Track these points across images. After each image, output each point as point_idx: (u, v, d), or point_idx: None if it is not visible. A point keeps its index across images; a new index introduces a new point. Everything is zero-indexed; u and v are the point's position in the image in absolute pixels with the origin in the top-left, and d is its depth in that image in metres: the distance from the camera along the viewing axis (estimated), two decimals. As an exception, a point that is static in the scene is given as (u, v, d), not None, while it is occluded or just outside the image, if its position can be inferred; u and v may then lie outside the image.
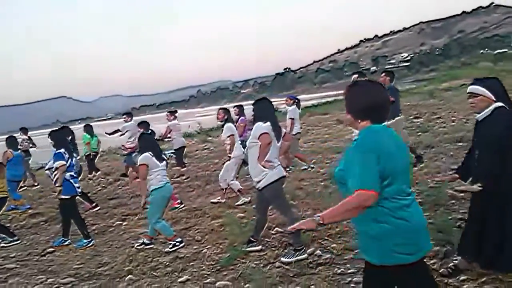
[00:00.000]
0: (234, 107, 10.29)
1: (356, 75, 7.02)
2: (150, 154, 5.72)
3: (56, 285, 5.02)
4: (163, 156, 6.04)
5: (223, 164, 8.02)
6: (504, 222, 3.34)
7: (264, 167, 4.66)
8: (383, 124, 2.40)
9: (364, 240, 2.39)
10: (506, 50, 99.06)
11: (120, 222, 7.43)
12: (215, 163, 12.09)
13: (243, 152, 7.84)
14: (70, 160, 6.45)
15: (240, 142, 7.95)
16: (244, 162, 9.00)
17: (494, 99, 3.39)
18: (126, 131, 10.96)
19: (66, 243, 6.49)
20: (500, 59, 57.82)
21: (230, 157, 7.61)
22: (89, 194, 8.92)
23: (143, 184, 5.74)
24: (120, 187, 10.59)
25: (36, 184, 11.97)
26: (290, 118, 9.08)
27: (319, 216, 2.25)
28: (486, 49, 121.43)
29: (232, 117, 8.38)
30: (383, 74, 8.06)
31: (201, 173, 10.84)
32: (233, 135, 7.58)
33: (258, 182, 4.77)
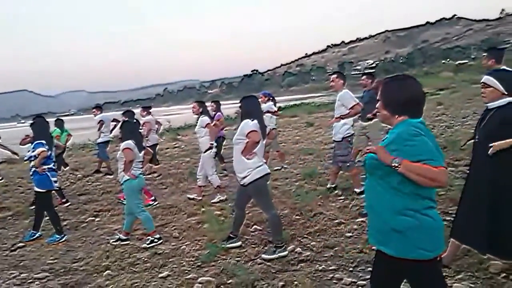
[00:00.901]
0: (211, 102, 10.30)
1: (335, 75, 6.98)
2: (133, 142, 5.68)
3: (30, 280, 4.88)
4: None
5: (195, 163, 7.96)
6: (498, 210, 3.46)
7: (248, 159, 4.69)
8: (420, 119, 2.40)
9: (384, 232, 2.38)
10: (466, 61, 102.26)
11: (93, 218, 7.28)
12: (187, 161, 12.05)
13: (215, 146, 7.84)
14: (49, 152, 6.30)
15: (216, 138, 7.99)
16: (217, 155, 9.06)
17: (505, 92, 3.46)
18: (100, 122, 10.76)
19: (36, 235, 6.32)
20: (461, 70, 59.72)
21: (211, 146, 7.52)
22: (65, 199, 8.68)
23: (129, 166, 5.68)
24: (89, 183, 10.37)
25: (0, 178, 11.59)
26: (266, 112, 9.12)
27: (401, 159, 2.22)
28: (448, 60, 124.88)
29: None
30: (364, 76, 8.19)
31: (173, 171, 10.77)
32: (209, 123, 7.56)
33: (244, 178, 4.78)
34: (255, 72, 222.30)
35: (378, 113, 2.58)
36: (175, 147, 15.31)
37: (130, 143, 5.73)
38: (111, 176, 10.69)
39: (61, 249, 5.90)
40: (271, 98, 9.59)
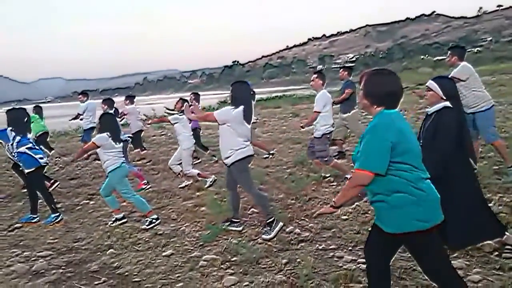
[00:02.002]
0: (191, 94, 10.43)
1: (315, 75, 7.15)
2: (108, 135, 5.75)
3: (33, 258, 4.94)
4: (121, 137, 6.09)
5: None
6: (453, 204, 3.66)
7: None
8: (394, 110, 2.66)
9: (383, 211, 2.63)
10: (444, 57, 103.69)
11: (87, 201, 7.35)
12: (175, 148, 12.05)
13: (194, 143, 7.96)
14: (22, 137, 6.32)
15: (192, 129, 8.12)
16: (198, 145, 9.19)
17: (444, 97, 3.79)
18: (84, 112, 10.78)
19: (35, 220, 6.37)
20: (439, 66, 60.88)
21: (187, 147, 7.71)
22: (46, 174, 8.66)
23: (81, 153, 6.19)
24: (79, 168, 10.38)
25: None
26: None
27: (333, 201, 2.75)
28: (427, 55, 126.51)
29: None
30: (342, 69, 8.51)
31: (163, 157, 10.82)
32: (177, 123, 7.71)
33: (226, 158, 5.00)
34: (236, 63, 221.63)
35: (358, 102, 2.88)
36: (162, 135, 15.33)
37: (104, 136, 5.78)
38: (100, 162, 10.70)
39: (60, 230, 5.97)
40: (252, 92, 9.69)
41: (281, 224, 4.98)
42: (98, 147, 5.76)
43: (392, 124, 2.55)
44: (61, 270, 4.56)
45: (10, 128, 6.33)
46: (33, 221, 6.35)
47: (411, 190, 2.52)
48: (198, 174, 7.60)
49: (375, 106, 2.67)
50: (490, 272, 3.58)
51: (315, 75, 7.02)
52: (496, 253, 3.85)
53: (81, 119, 11.03)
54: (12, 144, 6.30)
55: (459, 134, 3.69)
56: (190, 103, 7.84)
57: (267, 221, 4.96)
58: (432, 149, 3.60)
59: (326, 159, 6.75)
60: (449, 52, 6.23)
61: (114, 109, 9.53)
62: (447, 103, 3.77)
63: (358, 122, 8.64)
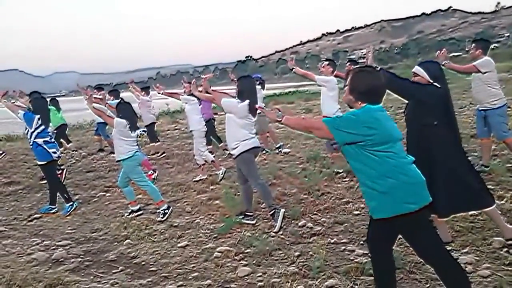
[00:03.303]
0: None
1: (326, 62, 7.36)
2: (126, 122, 5.90)
3: (53, 247, 5.12)
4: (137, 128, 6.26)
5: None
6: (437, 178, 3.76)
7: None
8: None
9: (373, 198, 2.78)
10: (460, 53, 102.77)
11: (103, 193, 7.52)
12: (189, 143, 12.19)
13: (204, 125, 8.08)
14: (45, 127, 6.50)
15: (206, 121, 8.30)
16: (213, 136, 9.30)
17: (431, 81, 3.91)
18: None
19: (53, 211, 6.54)
20: (455, 62, 60.08)
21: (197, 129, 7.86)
22: (62, 167, 8.82)
23: (104, 116, 6.27)
24: (95, 161, 10.57)
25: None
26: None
27: (282, 114, 3.03)
28: (442, 52, 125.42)
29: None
30: (348, 63, 8.53)
31: (177, 151, 10.96)
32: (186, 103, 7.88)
33: (233, 149, 5.17)
34: (249, 58, 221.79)
35: (344, 97, 3.00)
36: (176, 129, 15.48)
37: (123, 122, 5.95)
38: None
39: (78, 221, 6.15)
40: (260, 82, 9.70)
41: (283, 210, 5.07)
42: (113, 126, 5.96)
43: (371, 114, 2.74)
44: (79, 259, 4.73)
45: (38, 116, 6.47)
46: (51, 211, 6.53)
47: (397, 175, 2.69)
48: (212, 161, 7.73)
49: (359, 102, 2.84)
50: (499, 268, 3.63)
51: (326, 62, 7.35)
52: (506, 249, 3.89)
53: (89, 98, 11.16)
54: (33, 132, 6.43)
55: (443, 107, 3.86)
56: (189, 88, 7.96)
57: (270, 213, 5.10)
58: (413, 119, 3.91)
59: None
60: (473, 44, 6.22)
61: (120, 99, 9.64)
62: (436, 84, 3.91)
63: None
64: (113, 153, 10.80)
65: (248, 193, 5.50)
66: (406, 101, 4.08)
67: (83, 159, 10.93)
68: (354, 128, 2.69)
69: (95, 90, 11.23)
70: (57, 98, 13.02)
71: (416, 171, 2.80)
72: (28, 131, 6.53)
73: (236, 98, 5.26)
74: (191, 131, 7.98)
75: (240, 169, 5.36)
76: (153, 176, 7.96)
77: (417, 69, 4.04)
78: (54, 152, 6.63)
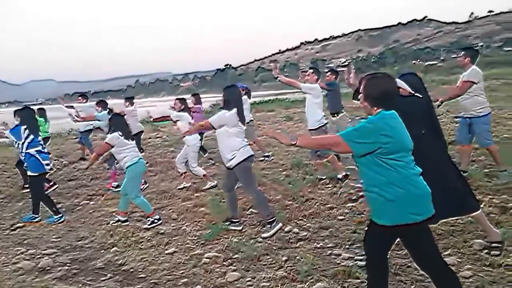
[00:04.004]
0: (191, 96, 10.59)
1: (311, 70, 7.48)
2: (119, 134, 5.92)
3: (38, 256, 5.08)
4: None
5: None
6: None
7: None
8: (391, 111, 2.86)
9: (379, 205, 2.82)
10: (436, 62, 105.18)
11: (87, 202, 7.48)
12: (171, 151, 12.23)
13: (199, 140, 8.13)
14: (34, 136, 6.46)
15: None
16: (202, 149, 9.31)
17: (412, 92, 4.04)
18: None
19: (36, 220, 6.47)
20: (430, 70, 61.66)
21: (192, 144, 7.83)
22: (53, 182, 8.75)
23: (94, 160, 6.18)
24: (76, 169, 10.48)
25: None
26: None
27: (295, 138, 2.92)
28: (418, 60, 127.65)
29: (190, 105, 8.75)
30: (329, 72, 8.64)
31: (159, 159, 10.96)
32: (189, 123, 7.82)
33: (230, 160, 5.16)
34: (228, 66, 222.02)
35: (360, 105, 3.04)
36: (157, 137, 15.44)
37: (115, 135, 5.94)
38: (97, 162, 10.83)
39: (62, 229, 6.10)
40: (246, 91, 9.83)
41: (280, 224, 5.15)
42: (112, 146, 5.93)
43: (387, 121, 2.77)
44: (66, 267, 4.70)
45: (24, 126, 6.42)
46: (34, 220, 6.46)
47: (406, 185, 2.74)
48: (204, 175, 7.74)
49: (375, 108, 2.87)
50: (481, 269, 3.77)
51: (311, 70, 7.45)
52: (486, 250, 4.03)
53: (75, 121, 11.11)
54: (23, 143, 6.37)
55: (428, 117, 4.01)
56: (191, 106, 8.00)
57: (268, 221, 5.13)
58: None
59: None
60: (462, 52, 6.36)
61: (108, 109, 9.60)
62: (418, 94, 4.04)
63: (347, 124, 8.81)
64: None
65: (233, 200, 5.55)
66: None
67: (64, 167, 10.83)
68: (372, 137, 2.71)
69: (79, 98, 11.18)
70: (33, 107, 12.82)
71: (423, 183, 2.83)
72: (18, 144, 6.46)
73: (223, 108, 5.31)
74: (187, 146, 7.90)
75: (230, 178, 5.37)
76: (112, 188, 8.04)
77: (398, 81, 4.11)
78: (47, 164, 6.58)
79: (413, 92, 4.03)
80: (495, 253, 3.97)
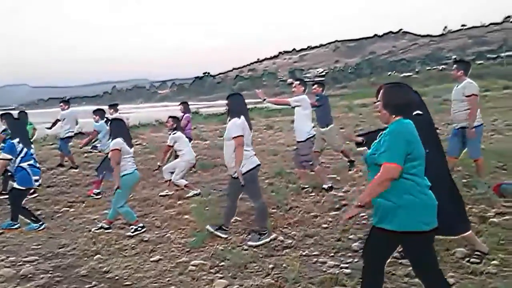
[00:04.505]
0: (179, 104, 10.58)
1: (297, 82, 7.51)
2: (122, 140, 5.86)
3: (20, 263, 4.96)
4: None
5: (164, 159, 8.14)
6: None
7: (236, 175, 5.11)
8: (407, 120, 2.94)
9: (388, 210, 2.84)
10: (411, 74, 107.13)
11: (67, 209, 7.37)
12: (152, 158, 12.16)
13: (194, 157, 8.11)
14: (28, 149, 6.33)
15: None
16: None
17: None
18: (64, 119, 10.77)
19: (15, 227, 6.34)
20: (406, 82, 62.80)
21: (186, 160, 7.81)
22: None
23: (118, 169, 5.81)
24: (55, 176, 10.31)
25: None
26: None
27: (357, 202, 2.87)
28: (394, 72, 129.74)
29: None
30: (316, 85, 8.70)
31: (140, 166, 10.81)
32: (172, 146, 7.87)
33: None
34: (206, 74, 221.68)
35: (378, 113, 3.07)
36: (137, 144, 15.28)
37: (119, 141, 5.88)
38: (76, 170, 10.71)
39: (43, 236, 5.99)
40: None
41: (269, 238, 5.12)
42: (120, 151, 5.83)
43: (410, 129, 2.86)
44: (49, 275, 4.62)
45: (17, 139, 6.25)
46: (13, 227, 6.33)
47: (418, 194, 2.81)
48: (186, 185, 7.71)
49: (394, 116, 2.95)
50: (463, 276, 3.87)
51: (297, 82, 7.44)
52: (467, 258, 4.14)
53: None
54: (16, 158, 6.21)
55: (432, 134, 4.07)
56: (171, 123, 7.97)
57: (261, 232, 5.14)
58: None
59: (311, 162, 7.05)
60: (454, 65, 6.49)
61: (105, 119, 9.42)
62: (418, 111, 4.08)
63: (336, 136, 8.91)
64: (74, 168, 10.72)
65: (232, 211, 5.47)
66: None
67: (42, 174, 10.60)
68: (405, 147, 2.77)
69: (61, 104, 11.02)
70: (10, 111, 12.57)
71: (432, 194, 2.89)
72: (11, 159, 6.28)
73: (228, 117, 5.30)
74: (183, 161, 7.84)
75: (234, 187, 5.30)
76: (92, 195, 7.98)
77: None
78: (36, 180, 6.46)
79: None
80: (475, 261, 4.08)
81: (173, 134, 7.80)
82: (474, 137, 6.24)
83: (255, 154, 5.36)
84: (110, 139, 6.07)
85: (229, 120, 5.27)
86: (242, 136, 5.10)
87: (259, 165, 5.31)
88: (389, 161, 2.76)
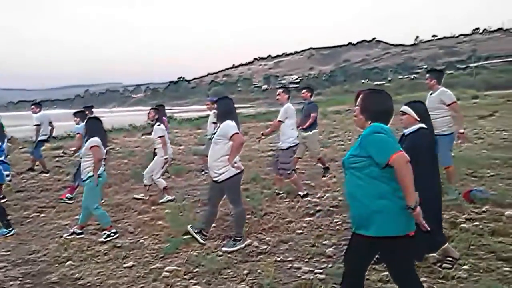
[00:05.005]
0: (151, 109, 10.47)
1: (281, 90, 7.49)
2: (99, 139, 5.81)
3: (-13, 270, 4.85)
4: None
5: (135, 164, 8.09)
6: None
7: (233, 166, 5.01)
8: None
9: (365, 216, 2.85)
10: (383, 82, 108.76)
11: (37, 214, 7.20)
12: (125, 163, 12.04)
13: (172, 152, 8.09)
14: (1, 144, 6.19)
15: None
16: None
17: (418, 119, 4.22)
18: (36, 125, 10.53)
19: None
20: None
21: (166, 160, 7.76)
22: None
23: (98, 165, 5.77)
24: (24, 180, 10.07)
25: None
26: (213, 123, 9.42)
27: (409, 207, 2.76)
28: (367, 80, 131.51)
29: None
30: (305, 90, 8.73)
31: (112, 171, 10.71)
32: (163, 136, 7.74)
33: (220, 174, 5.06)
34: (181, 79, 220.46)
35: (354, 117, 3.10)
36: (110, 149, 15.07)
37: (97, 140, 5.82)
38: (47, 175, 10.49)
39: (12, 242, 5.86)
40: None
41: (246, 243, 5.14)
42: (99, 147, 5.80)
43: (388, 131, 2.89)
44: (18, 282, 4.52)
45: None
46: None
47: (395, 198, 2.81)
48: (165, 187, 7.65)
49: (370, 122, 2.97)
50: (435, 281, 3.95)
51: (281, 90, 7.43)
52: (439, 264, 4.23)
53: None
54: None
55: (433, 151, 4.19)
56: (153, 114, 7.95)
57: (236, 237, 5.13)
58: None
59: (288, 171, 7.07)
60: (427, 75, 6.63)
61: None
62: (422, 124, 4.19)
63: (317, 142, 8.96)
64: (45, 172, 10.50)
65: (212, 216, 5.45)
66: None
67: (11, 178, 10.37)
68: (392, 139, 2.82)
69: (32, 107, 10.78)
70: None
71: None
72: None
73: (216, 120, 5.27)
74: (160, 157, 7.78)
75: (216, 192, 5.29)
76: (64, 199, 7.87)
77: (405, 108, 4.30)
78: (7, 175, 6.31)
79: (418, 119, 4.19)
80: (447, 266, 4.17)
81: (158, 125, 7.77)
82: (464, 141, 6.61)
83: (239, 160, 5.32)
84: (85, 139, 5.97)
85: (221, 123, 5.21)
86: (240, 133, 5.09)
87: (242, 170, 5.28)
88: (391, 154, 2.74)
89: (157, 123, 7.80)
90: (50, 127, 10.93)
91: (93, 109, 10.35)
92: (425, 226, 2.83)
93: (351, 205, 3.00)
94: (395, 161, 2.73)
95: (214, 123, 9.41)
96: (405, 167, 2.73)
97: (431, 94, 6.58)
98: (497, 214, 5.62)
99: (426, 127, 4.21)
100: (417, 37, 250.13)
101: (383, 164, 2.77)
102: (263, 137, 7.78)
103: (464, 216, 5.58)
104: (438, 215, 4.24)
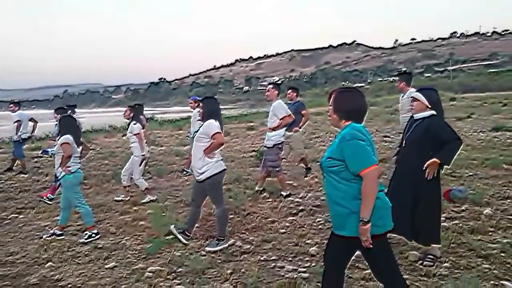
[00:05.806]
0: (129, 107, 10.38)
1: (270, 86, 7.42)
2: (71, 137, 5.74)
3: (-36, 272, 4.74)
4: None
5: (116, 165, 8.02)
6: (417, 204, 4.19)
7: (209, 157, 4.99)
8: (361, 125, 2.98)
9: (343, 217, 2.86)
10: (363, 84, 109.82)
11: (16, 215, 7.06)
12: (106, 164, 11.88)
13: (148, 151, 8.02)
14: None
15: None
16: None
17: (429, 106, 4.21)
18: (17, 121, 10.36)
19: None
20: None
21: (143, 157, 7.70)
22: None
23: (66, 161, 5.70)
24: (2, 181, 9.88)
25: None
26: (197, 120, 9.35)
27: (361, 220, 2.74)
28: (347, 82, 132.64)
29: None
30: (290, 90, 8.75)
31: (93, 172, 10.59)
32: (139, 133, 7.68)
33: (202, 173, 5.03)
34: (162, 80, 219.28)
35: (328, 117, 3.12)
36: (90, 149, 14.88)
37: (68, 137, 5.77)
38: (26, 175, 10.31)
39: (-11, 244, 5.72)
40: (198, 104, 9.86)
41: (229, 243, 5.13)
42: (70, 145, 5.71)
43: (365, 133, 2.90)
44: (-3, 284, 4.42)
45: None
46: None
47: None
48: (146, 188, 7.59)
49: (343, 121, 2.97)
50: (417, 278, 3.99)
51: (271, 86, 7.29)
52: (421, 261, 4.28)
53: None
54: None
55: (437, 138, 4.14)
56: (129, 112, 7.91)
57: (219, 237, 5.11)
58: (421, 151, 4.14)
59: (277, 169, 7.06)
60: (397, 78, 6.72)
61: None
62: (433, 112, 4.20)
63: (301, 142, 8.97)
64: (24, 173, 10.32)
65: (196, 216, 5.41)
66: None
67: (-12, 179, 10.17)
68: (367, 147, 2.81)
69: (11, 106, 10.59)
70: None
71: (385, 197, 2.92)
72: None
73: (201, 120, 5.23)
74: (135, 156, 7.68)
75: (199, 192, 5.25)
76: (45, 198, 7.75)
77: (416, 94, 4.28)
78: None
79: (429, 106, 4.18)
80: (428, 264, 4.22)
81: (134, 124, 7.71)
82: None
83: (222, 159, 5.30)
84: (58, 137, 5.90)
85: (204, 122, 5.16)
86: (221, 133, 5.06)
87: (225, 169, 5.26)
88: (365, 166, 2.75)
89: (133, 122, 7.72)
90: (32, 123, 10.84)
91: (75, 109, 10.29)
92: (369, 243, 2.79)
93: (330, 207, 3.01)
94: (366, 176, 2.75)
95: (199, 120, 9.39)
96: (373, 182, 2.75)
97: (402, 96, 6.71)
98: (476, 213, 5.72)
99: (436, 114, 4.22)
100: (396, 40, 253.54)
101: (354, 173, 2.80)
102: (271, 132, 7.36)
103: (444, 215, 5.65)
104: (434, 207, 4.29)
